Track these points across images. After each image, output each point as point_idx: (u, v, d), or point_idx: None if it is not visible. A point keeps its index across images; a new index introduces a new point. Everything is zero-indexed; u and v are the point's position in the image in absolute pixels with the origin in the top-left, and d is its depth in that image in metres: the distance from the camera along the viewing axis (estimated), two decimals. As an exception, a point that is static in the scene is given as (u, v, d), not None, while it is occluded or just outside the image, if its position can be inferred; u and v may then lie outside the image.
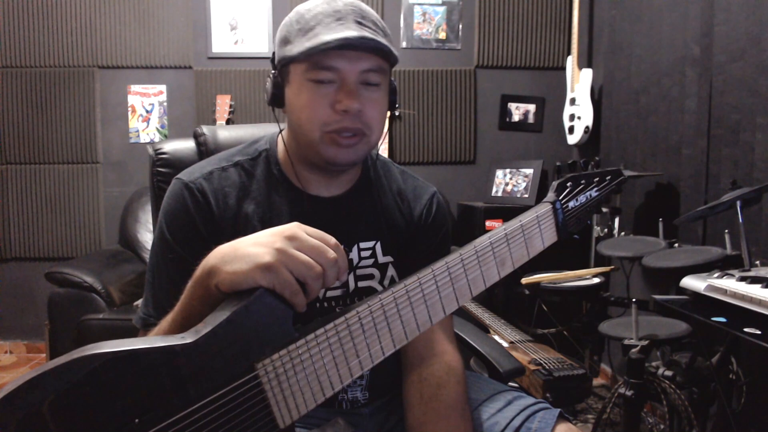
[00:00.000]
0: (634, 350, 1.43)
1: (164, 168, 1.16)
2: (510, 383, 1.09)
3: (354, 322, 0.63)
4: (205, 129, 1.23)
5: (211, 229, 0.86)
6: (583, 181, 0.82)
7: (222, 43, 3.12)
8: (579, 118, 2.79)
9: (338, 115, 0.82)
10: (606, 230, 2.46)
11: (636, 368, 1.43)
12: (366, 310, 0.64)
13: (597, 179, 0.83)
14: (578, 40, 2.86)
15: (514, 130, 3.24)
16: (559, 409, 0.89)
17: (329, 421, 0.68)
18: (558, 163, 2.81)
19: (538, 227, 0.75)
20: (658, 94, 2.26)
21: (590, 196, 0.82)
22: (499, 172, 3.03)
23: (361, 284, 0.93)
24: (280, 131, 0.94)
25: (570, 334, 2.54)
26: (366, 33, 0.80)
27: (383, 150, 2.96)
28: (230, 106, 2.99)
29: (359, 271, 0.94)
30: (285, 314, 0.61)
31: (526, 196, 2.86)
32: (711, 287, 1.25)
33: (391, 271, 0.96)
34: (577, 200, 0.80)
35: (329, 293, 0.91)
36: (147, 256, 2.18)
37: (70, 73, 3.07)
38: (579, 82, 2.79)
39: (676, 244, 1.79)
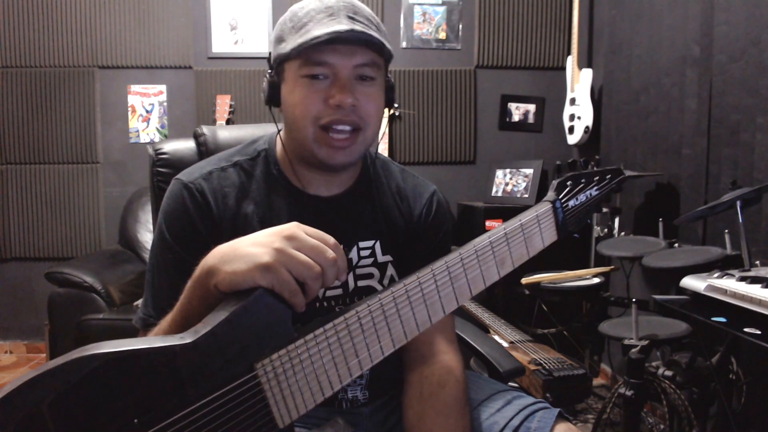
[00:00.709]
0: (634, 350, 1.43)
1: (164, 168, 1.16)
2: (510, 383, 1.09)
3: (353, 321, 0.63)
4: (205, 129, 1.23)
5: (211, 229, 0.86)
6: (583, 180, 0.82)
7: (222, 43, 3.12)
8: (579, 118, 2.79)
9: (332, 109, 0.82)
10: (606, 230, 2.46)
11: (636, 368, 1.43)
12: (365, 310, 0.64)
13: (597, 178, 0.83)
14: (578, 40, 2.86)
15: (514, 130, 3.24)
16: (558, 409, 0.89)
17: (329, 420, 0.68)
18: (558, 162, 2.81)
19: (538, 226, 0.75)
20: (658, 94, 2.26)
21: (590, 195, 0.82)
22: (499, 172, 3.03)
23: (360, 284, 0.93)
24: (279, 131, 0.94)
25: (570, 334, 2.54)
26: (357, 26, 0.80)
27: (383, 150, 2.96)
28: (230, 106, 2.99)
29: (359, 271, 0.94)
30: (284, 314, 0.61)
31: (526, 196, 2.86)
32: (711, 287, 1.25)
33: (390, 271, 0.96)
34: (577, 199, 0.80)
35: (328, 293, 0.91)
36: (147, 256, 2.18)
37: (70, 73, 3.07)
38: (579, 82, 2.79)
39: (676, 244, 1.79)
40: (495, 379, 1.10)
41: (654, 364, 1.61)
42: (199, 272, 0.64)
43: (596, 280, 2.04)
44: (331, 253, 0.63)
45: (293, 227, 0.64)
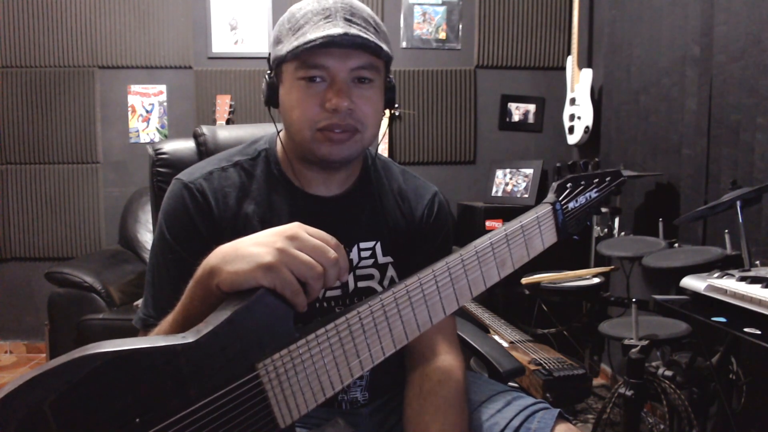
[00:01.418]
0: (634, 350, 1.43)
1: (164, 168, 1.16)
2: (510, 383, 1.09)
3: (355, 322, 0.63)
4: (205, 129, 1.23)
5: (211, 229, 0.86)
6: (582, 182, 0.82)
7: (222, 43, 3.12)
8: (579, 118, 2.79)
9: (328, 113, 0.81)
10: (606, 230, 2.46)
11: (636, 368, 1.43)
12: (367, 310, 0.64)
13: (597, 180, 0.83)
14: (578, 40, 2.86)
15: (514, 130, 3.24)
16: (558, 409, 0.89)
17: (329, 421, 0.68)
18: (558, 164, 2.81)
19: (538, 228, 0.75)
20: (658, 94, 2.26)
21: (590, 197, 0.82)
22: (499, 172, 3.03)
23: (360, 284, 0.93)
24: (279, 131, 0.94)
25: (570, 334, 2.54)
26: (352, 30, 0.79)
27: (383, 150, 2.96)
28: (230, 106, 2.99)
29: (359, 271, 0.94)
30: (286, 314, 0.61)
31: (526, 196, 2.86)
32: (711, 287, 1.25)
33: (390, 272, 0.96)
34: (576, 201, 0.80)
35: (329, 293, 0.91)
36: (147, 256, 2.18)
37: (70, 73, 3.07)
38: (579, 82, 2.79)
39: (676, 244, 1.79)
40: (495, 379, 1.10)
41: (654, 364, 1.61)
42: (201, 272, 0.64)
43: (596, 280, 2.04)
44: (333, 253, 0.63)
45: (295, 227, 0.64)
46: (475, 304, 2.47)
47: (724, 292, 1.21)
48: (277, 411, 0.60)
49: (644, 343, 1.43)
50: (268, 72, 0.89)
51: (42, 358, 3.06)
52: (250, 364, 0.59)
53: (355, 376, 0.64)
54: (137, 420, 0.54)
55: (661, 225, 1.89)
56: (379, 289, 0.94)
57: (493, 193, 3.01)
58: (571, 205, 0.79)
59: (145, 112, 3.14)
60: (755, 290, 1.14)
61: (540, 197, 2.78)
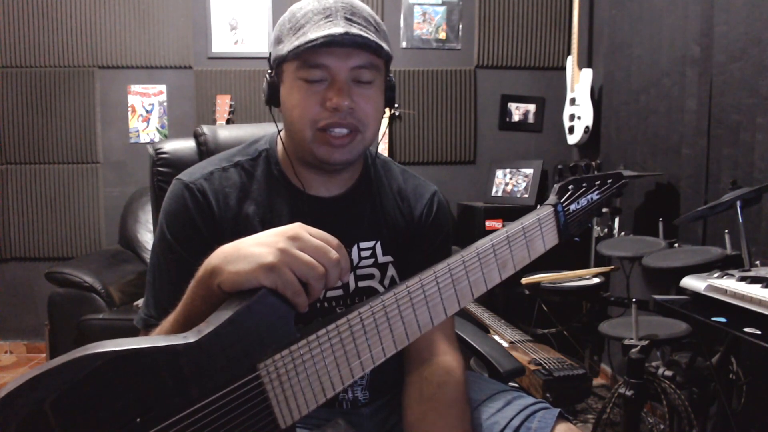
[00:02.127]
0: (634, 350, 1.43)
1: (164, 168, 1.16)
2: (510, 383, 1.09)
3: (356, 322, 0.63)
4: (205, 129, 1.23)
5: (212, 229, 0.86)
6: (584, 185, 0.82)
7: (222, 43, 3.12)
8: (579, 118, 2.79)
9: (329, 112, 0.82)
10: (606, 230, 2.47)
11: (636, 368, 1.43)
12: (368, 311, 0.64)
13: (598, 182, 0.83)
14: (578, 40, 2.86)
15: (514, 130, 3.24)
16: (558, 409, 0.89)
17: (330, 421, 0.68)
18: (559, 166, 2.82)
19: (539, 229, 0.75)
20: (658, 94, 2.26)
21: (591, 199, 0.82)
22: (499, 172, 3.03)
23: (361, 284, 0.93)
24: (279, 131, 0.94)
25: (570, 334, 2.54)
26: (353, 29, 0.79)
27: (383, 150, 2.96)
28: (230, 106, 2.99)
29: (359, 271, 0.94)
30: (287, 314, 0.61)
31: (526, 196, 2.86)
32: (711, 287, 1.25)
33: (391, 271, 0.96)
34: (578, 203, 0.80)
35: (330, 293, 0.91)
36: (147, 256, 2.18)
37: (70, 73, 3.07)
38: (579, 82, 2.79)
39: (676, 244, 1.79)
40: (495, 379, 1.10)
41: (654, 364, 1.61)
42: (203, 272, 0.64)
43: (596, 280, 2.04)
44: (334, 254, 0.63)
45: (297, 227, 0.64)
46: (475, 304, 2.47)
47: (724, 292, 1.21)
48: (278, 411, 0.60)
49: (644, 343, 1.43)
50: (269, 71, 0.89)
51: (42, 358, 3.06)
52: (251, 365, 0.59)
53: (356, 376, 0.64)
54: (138, 420, 0.54)
55: (661, 225, 1.89)
56: (379, 288, 0.94)
57: (493, 193, 3.01)
58: (572, 207, 0.79)
59: (145, 112, 3.14)
60: (755, 290, 1.15)
61: (540, 197, 2.79)
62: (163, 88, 3.13)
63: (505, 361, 1.13)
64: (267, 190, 0.91)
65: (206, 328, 0.58)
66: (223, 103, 2.97)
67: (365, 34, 0.80)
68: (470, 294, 0.69)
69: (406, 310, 0.65)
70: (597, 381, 2.65)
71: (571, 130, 2.85)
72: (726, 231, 1.53)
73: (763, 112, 1.66)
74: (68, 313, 2.34)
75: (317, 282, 0.62)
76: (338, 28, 0.79)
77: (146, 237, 2.84)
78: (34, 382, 0.51)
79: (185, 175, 0.89)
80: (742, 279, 1.21)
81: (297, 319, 0.62)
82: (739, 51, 1.77)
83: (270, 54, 0.89)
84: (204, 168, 0.91)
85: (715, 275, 1.30)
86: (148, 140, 3.13)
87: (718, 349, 1.55)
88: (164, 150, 1.19)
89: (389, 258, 0.96)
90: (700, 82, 1.97)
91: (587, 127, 2.75)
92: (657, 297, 1.44)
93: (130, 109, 3.14)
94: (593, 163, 2.57)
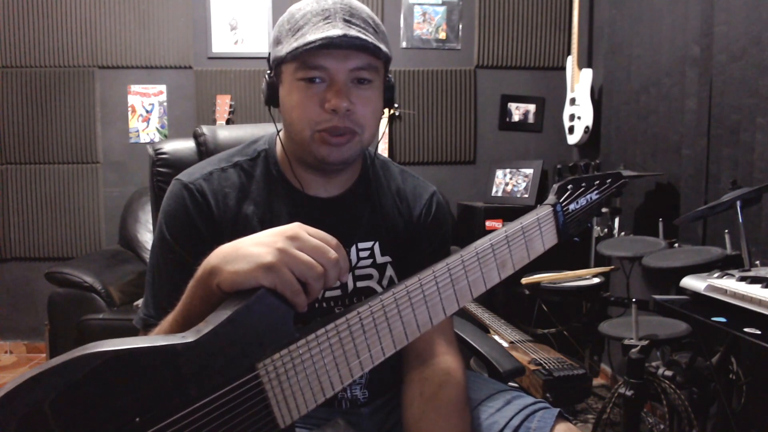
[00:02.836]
0: (634, 350, 1.43)
1: (164, 168, 1.17)
2: (510, 383, 1.09)
3: (355, 322, 0.63)
4: (205, 129, 1.23)
5: (211, 229, 0.86)
6: (583, 184, 0.82)
7: (222, 43, 3.12)
8: (579, 118, 2.79)
9: (328, 114, 0.82)
10: (606, 230, 2.46)
11: (636, 368, 1.43)
12: (367, 311, 0.64)
13: (597, 182, 0.83)
14: (578, 40, 2.86)
15: (514, 130, 3.24)
16: (558, 409, 0.89)
17: (329, 421, 0.68)
18: (559, 166, 2.82)
19: (538, 229, 0.75)
20: (658, 94, 2.26)
21: (591, 199, 0.82)
22: (499, 172, 3.03)
23: (359, 284, 0.93)
24: (278, 131, 0.94)
25: (570, 334, 2.54)
26: (352, 31, 0.79)
27: (383, 150, 2.96)
28: (230, 106, 2.99)
29: (358, 272, 0.94)
30: (286, 314, 0.61)
31: (526, 196, 2.86)
32: (711, 287, 1.25)
33: (389, 272, 0.96)
34: (577, 203, 0.80)
35: (329, 293, 0.91)
36: (147, 256, 2.18)
37: (70, 73, 3.07)
38: (579, 82, 2.79)
39: (676, 244, 1.79)
40: (495, 378, 1.10)
41: (654, 364, 1.61)
42: (202, 272, 0.64)
43: (596, 280, 2.04)
44: (333, 254, 0.63)
45: (296, 227, 0.64)
46: (475, 304, 2.47)
47: (724, 292, 1.21)
48: (277, 411, 0.60)
49: (644, 343, 1.43)
50: (268, 72, 0.89)
51: (42, 358, 3.06)
52: (250, 364, 0.59)
53: (355, 376, 0.64)
54: (137, 419, 0.54)
55: (661, 225, 1.89)
56: (378, 288, 0.94)
57: (493, 193, 3.01)
58: (571, 206, 0.79)
59: (145, 112, 3.14)
60: (755, 290, 1.15)
61: (540, 197, 2.79)
62: (163, 88, 3.13)
63: (505, 361, 1.13)
64: (266, 191, 0.91)
65: (205, 327, 0.57)
66: (223, 103, 2.97)
67: (364, 36, 0.80)
68: (469, 294, 0.69)
69: (405, 309, 0.65)
70: (597, 381, 2.65)
71: (571, 130, 2.85)
72: (726, 231, 1.53)
73: (763, 112, 1.66)
74: (68, 313, 2.34)
75: (316, 282, 0.62)
76: (336, 30, 0.79)
77: (146, 237, 2.84)
78: (33, 382, 0.51)
79: (184, 176, 0.90)
80: (742, 279, 1.21)
81: (296, 318, 0.62)
82: (739, 51, 1.77)
83: (269, 54, 0.89)
84: (203, 168, 0.91)
85: (715, 275, 1.30)
86: (148, 140, 3.14)
87: (718, 349, 1.55)
88: (164, 150, 1.19)
89: (388, 258, 0.96)
90: (700, 82, 1.97)
91: (587, 127, 2.75)
92: (657, 297, 1.44)
93: (130, 109, 3.14)
94: (593, 163, 2.57)
